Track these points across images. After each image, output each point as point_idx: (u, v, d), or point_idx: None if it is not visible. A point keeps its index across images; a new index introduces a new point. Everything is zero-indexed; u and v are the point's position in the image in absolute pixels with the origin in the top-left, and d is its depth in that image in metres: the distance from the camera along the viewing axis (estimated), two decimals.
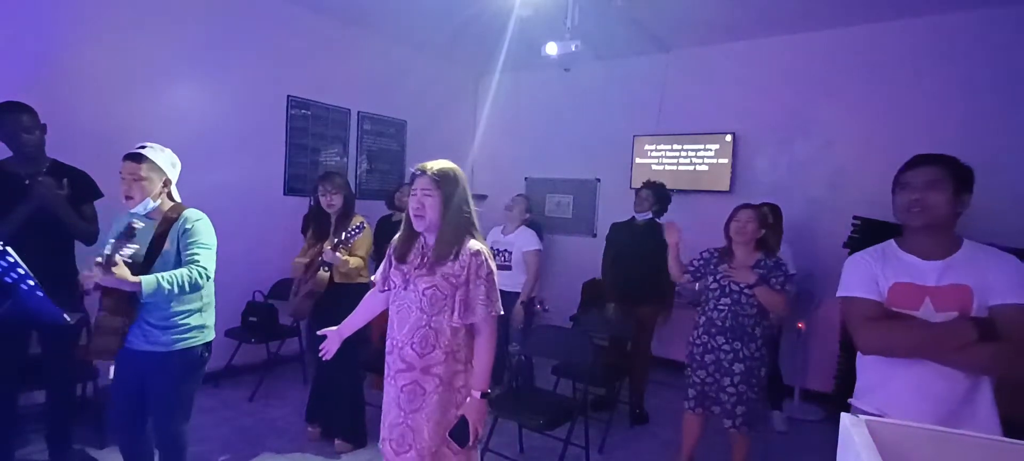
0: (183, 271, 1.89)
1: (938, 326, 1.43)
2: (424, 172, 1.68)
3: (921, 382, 1.45)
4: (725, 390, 2.53)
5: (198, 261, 1.94)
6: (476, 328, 1.69)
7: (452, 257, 1.65)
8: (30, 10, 3.03)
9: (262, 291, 4.00)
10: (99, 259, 1.76)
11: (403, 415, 1.69)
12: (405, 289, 1.70)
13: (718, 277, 2.59)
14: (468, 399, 1.70)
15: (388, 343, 1.75)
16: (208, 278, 1.96)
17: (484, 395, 1.68)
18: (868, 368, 1.60)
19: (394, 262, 1.77)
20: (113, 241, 1.81)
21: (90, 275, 1.77)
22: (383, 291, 1.83)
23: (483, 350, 1.69)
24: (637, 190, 3.74)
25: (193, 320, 2.00)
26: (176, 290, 1.85)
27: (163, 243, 1.95)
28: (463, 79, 5.91)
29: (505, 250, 3.71)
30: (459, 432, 1.66)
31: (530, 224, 3.87)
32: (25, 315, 1.85)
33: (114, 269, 1.74)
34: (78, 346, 2.64)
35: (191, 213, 2.01)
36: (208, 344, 2.08)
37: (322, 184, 2.94)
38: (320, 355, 1.95)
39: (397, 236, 1.79)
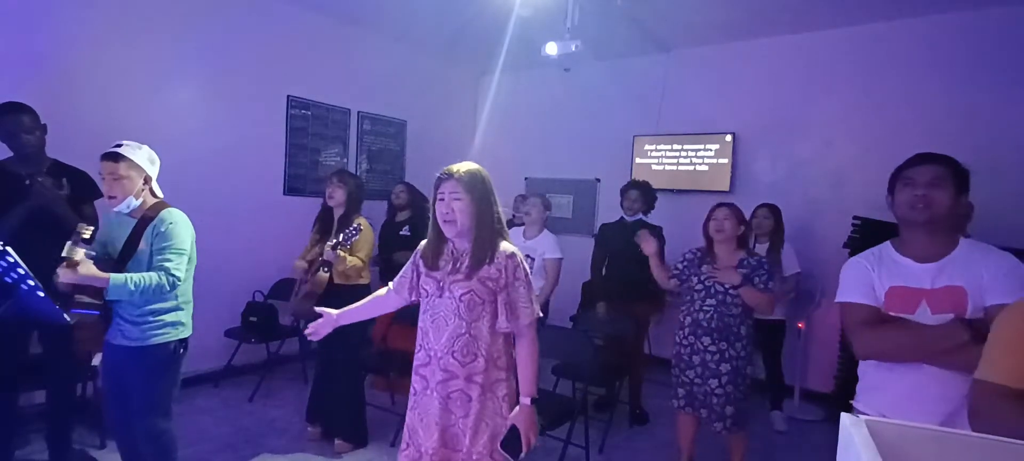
0: (152, 275, 1.87)
1: (930, 329, 1.42)
2: (451, 175, 1.61)
3: (919, 386, 1.45)
4: (714, 393, 2.53)
5: (167, 266, 1.91)
6: (518, 332, 1.64)
7: (487, 261, 1.61)
8: (30, 10, 3.03)
9: (262, 291, 3.99)
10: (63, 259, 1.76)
11: (454, 418, 1.63)
12: (441, 297, 1.64)
13: (702, 278, 2.58)
14: (517, 407, 1.63)
15: (422, 354, 1.67)
16: (175, 285, 1.93)
17: (533, 401, 1.62)
18: (868, 372, 1.59)
19: (424, 270, 1.70)
20: (69, 244, 1.78)
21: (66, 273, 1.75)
22: (410, 301, 1.77)
23: (527, 354, 1.64)
24: (623, 191, 3.70)
25: (168, 317, 2.00)
26: (138, 294, 1.84)
27: (138, 242, 1.93)
28: (463, 79, 5.90)
29: (527, 256, 3.58)
30: (511, 442, 1.58)
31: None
32: (25, 315, 1.85)
33: (79, 267, 1.73)
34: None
35: (168, 213, 1.98)
36: (184, 340, 2.06)
37: (329, 178, 2.96)
38: (307, 335, 1.84)
39: (424, 243, 1.73)
